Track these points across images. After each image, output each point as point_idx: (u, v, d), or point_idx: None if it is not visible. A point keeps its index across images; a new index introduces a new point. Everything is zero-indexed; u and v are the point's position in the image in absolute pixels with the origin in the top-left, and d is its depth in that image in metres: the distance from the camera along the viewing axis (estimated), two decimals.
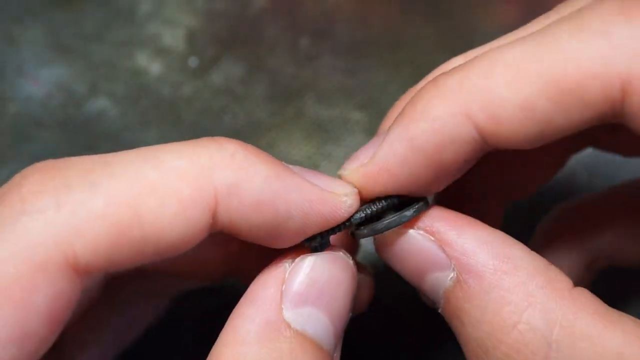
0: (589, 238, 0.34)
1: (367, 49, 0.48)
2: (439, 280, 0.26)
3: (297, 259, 0.26)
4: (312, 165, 0.44)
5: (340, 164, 0.44)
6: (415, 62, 0.48)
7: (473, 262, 0.25)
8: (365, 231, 0.28)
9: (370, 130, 0.46)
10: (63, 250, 0.23)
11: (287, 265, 0.26)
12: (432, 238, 0.26)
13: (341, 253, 0.27)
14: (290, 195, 0.26)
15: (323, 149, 0.45)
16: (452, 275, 0.25)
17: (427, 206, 0.28)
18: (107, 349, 0.34)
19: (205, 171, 0.25)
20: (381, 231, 0.27)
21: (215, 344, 0.25)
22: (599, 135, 0.32)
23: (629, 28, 0.23)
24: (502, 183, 0.33)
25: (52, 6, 0.49)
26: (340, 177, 0.28)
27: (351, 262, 0.27)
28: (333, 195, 0.27)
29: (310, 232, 0.27)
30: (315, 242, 0.27)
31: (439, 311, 0.27)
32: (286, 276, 0.26)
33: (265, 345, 0.24)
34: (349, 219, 0.27)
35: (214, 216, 0.25)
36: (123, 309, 0.34)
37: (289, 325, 0.25)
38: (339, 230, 0.27)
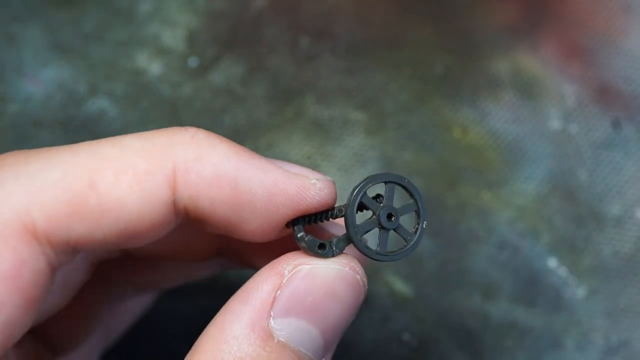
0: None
1: (367, 49, 0.48)
2: None
3: (299, 266, 0.25)
4: (312, 165, 0.44)
5: (340, 164, 0.44)
6: (415, 62, 0.48)
7: None
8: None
9: (370, 130, 0.46)
10: (21, 217, 0.24)
11: (286, 271, 0.25)
12: None
13: (348, 268, 0.26)
14: (252, 172, 0.26)
15: (323, 149, 0.45)
16: None
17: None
18: (96, 344, 0.34)
19: (162, 148, 0.25)
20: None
21: (203, 332, 0.25)
22: None
23: None
24: None
25: (52, 6, 0.49)
26: None
27: (359, 277, 0.26)
28: (300, 177, 0.26)
29: (280, 216, 0.26)
30: (301, 231, 0.26)
31: None
32: (283, 282, 0.25)
33: (246, 348, 0.24)
34: (341, 209, 0.26)
35: (175, 192, 0.25)
36: (113, 303, 0.34)
37: (271, 335, 0.25)
38: (327, 218, 0.26)
